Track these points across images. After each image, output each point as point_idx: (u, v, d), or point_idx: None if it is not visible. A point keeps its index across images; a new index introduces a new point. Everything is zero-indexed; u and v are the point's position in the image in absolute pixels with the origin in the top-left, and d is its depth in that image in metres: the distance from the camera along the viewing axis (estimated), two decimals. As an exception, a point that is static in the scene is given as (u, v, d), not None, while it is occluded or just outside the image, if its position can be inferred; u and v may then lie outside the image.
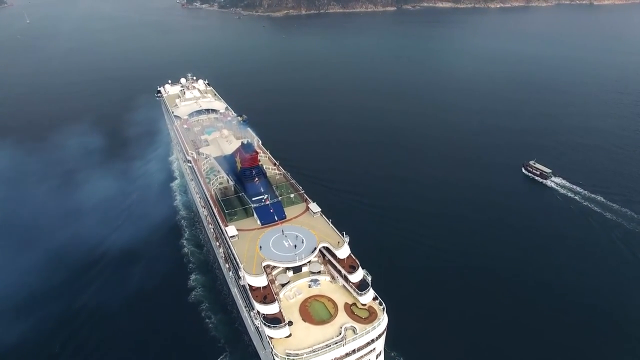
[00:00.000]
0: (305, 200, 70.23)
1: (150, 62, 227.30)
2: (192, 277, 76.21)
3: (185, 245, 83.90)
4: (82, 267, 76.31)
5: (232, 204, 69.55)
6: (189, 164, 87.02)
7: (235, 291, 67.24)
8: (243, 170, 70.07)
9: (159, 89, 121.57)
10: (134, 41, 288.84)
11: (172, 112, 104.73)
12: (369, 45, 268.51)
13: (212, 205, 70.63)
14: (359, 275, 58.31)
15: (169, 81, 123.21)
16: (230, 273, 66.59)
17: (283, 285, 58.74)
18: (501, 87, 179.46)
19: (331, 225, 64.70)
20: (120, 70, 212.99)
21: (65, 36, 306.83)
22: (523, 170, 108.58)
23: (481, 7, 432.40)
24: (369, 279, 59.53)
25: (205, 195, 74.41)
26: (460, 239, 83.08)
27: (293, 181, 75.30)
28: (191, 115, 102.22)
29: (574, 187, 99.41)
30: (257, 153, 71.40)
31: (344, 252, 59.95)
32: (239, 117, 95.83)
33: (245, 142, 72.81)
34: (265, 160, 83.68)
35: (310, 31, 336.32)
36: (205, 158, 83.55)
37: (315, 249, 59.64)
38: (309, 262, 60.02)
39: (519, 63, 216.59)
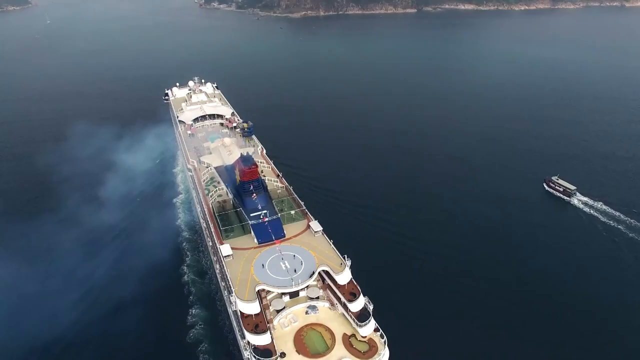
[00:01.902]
0: (307, 217, 66.01)
1: (163, 63, 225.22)
2: (192, 311, 68.28)
3: (186, 273, 75.87)
4: (61, 300, 66.73)
5: (229, 220, 65.92)
6: (189, 173, 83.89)
7: (230, 311, 63.53)
8: (242, 184, 66.27)
9: (166, 91, 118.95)
10: (148, 42, 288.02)
11: (177, 117, 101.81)
12: (388, 48, 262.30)
13: (208, 220, 67.10)
14: (359, 304, 53.86)
15: (177, 84, 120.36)
16: (226, 292, 62.91)
17: (278, 311, 54.69)
18: (524, 93, 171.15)
19: (332, 246, 60.44)
20: (132, 71, 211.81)
21: (80, 37, 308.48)
22: (544, 186, 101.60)
23: (504, 9, 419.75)
24: (371, 308, 55.02)
25: (203, 208, 70.99)
26: (475, 265, 76.59)
27: (295, 195, 71.12)
28: (196, 120, 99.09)
29: (602, 207, 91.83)
30: (257, 166, 67.29)
31: (344, 277, 55.60)
32: (244, 124, 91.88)
33: (245, 154, 69.03)
34: (268, 171, 79.76)
35: (329, 33, 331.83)
36: (207, 167, 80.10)
37: (313, 273, 55.44)
38: (307, 286, 55.77)
39: (544, 68, 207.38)
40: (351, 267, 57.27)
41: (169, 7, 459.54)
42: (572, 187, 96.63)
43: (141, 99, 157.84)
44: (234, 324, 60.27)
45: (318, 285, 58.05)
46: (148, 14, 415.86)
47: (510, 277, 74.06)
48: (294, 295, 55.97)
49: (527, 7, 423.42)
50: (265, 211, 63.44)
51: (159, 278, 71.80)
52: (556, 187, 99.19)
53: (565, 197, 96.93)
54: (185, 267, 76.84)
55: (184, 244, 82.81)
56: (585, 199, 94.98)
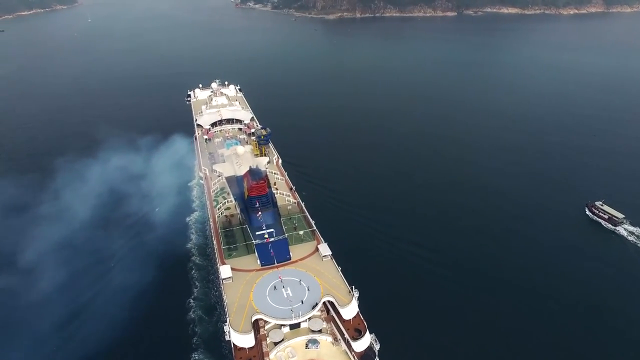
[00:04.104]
0: (317, 238, 61.26)
1: (194, 62, 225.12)
2: (195, 357, 58.13)
3: (193, 308, 64.80)
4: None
5: (234, 237, 62.10)
6: (201, 181, 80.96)
7: None
8: (249, 199, 62.37)
9: (189, 92, 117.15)
10: (181, 41, 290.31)
11: (195, 120, 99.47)
12: (426, 54, 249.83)
13: (213, 235, 63.55)
14: (364, 342, 48.72)
15: (200, 85, 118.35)
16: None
17: (276, 343, 49.98)
18: (571, 104, 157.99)
19: (340, 273, 55.52)
20: (164, 69, 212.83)
21: (117, 35, 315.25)
22: (587, 211, 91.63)
23: (552, 13, 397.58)
24: (377, 347, 49.76)
25: (209, 221, 67.65)
26: (499, 299, 67.99)
27: (306, 213, 66.37)
28: (214, 124, 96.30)
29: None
30: (265, 181, 63.03)
31: (350, 311, 50.63)
32: (262, 130, 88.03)
33: (255, 167, 64.95)
34: (282, 184, 75.52)
35: (364, 36, 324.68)
36: (218, 176, 76.82)
37: (316, 304, 50.65)
38: (309, 317, 50.94)
39: (595, 78, 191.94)
40: (359, 299, 52.21)
41: (205, 6, 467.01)
42: (620, 215, 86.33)
43: (167, 97, 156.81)
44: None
45: (322, 316, 53.05)
46: (184, 13, 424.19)
47: (542, 315, 65.74)
48: (294, 326, 51.31)
49: (576, 11, 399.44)
50: (271, 230, 59.26)
51: (161, 314, 63.31)
52: (600, 213, 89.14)
53: (610, 226, 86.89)
54: (192, 301, 66.22)
55: (193, 271, 72.19)
56: (635, 229, 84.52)
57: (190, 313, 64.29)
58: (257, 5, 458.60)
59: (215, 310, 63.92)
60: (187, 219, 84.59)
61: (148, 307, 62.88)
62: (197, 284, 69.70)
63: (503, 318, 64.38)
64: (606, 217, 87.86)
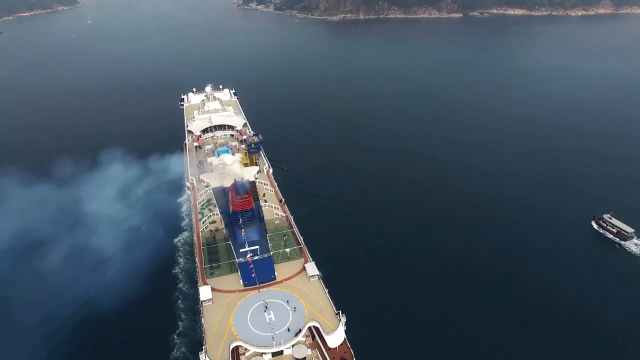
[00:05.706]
0: (304, 256, 57.63)
1: (192, 65, 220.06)
2: None
3: (177, 345, 57.57)
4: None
5: (217, 254, 58.65)
6: (188, 191, 77.50)
7: None
8: (234, 214, 58.90)
9: (182, 96, 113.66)
10: (180, 43, 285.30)
11: (187, 126, 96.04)
12: (431, 58, 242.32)
13: (196, 252, 60.10)
14: (351, 374, 44.95)
15: (194, 89, 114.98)
16: None
17: (256, 372, 46.54)
18: (581, 110, 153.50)
19: (328, 295, 51.94)
20: (161, 71, 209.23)
21: (118, 37, 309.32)
22: (593, 224, 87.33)
23: (559, 15, 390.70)
24: (365, 380, 45.94)
25: (193, 236, 64.23)
26: (506, 320, 64.17)
27: (295, 228, 62.67)
28: (205, 131, 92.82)
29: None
30: (250, 195, 59.49)
31: (336, 338, 47.07)
32: (254, 137, 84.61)
33: (240, 180, 61.34)
34: (271, 195, 71.86)
35: (368, 37, 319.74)
36: (206, 187, 73.32)
37: (300, 330, 47.12)
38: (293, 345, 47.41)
39: (604, 82, 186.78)
40: (346, 325, 48.55)
41: (206, 6, 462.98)
42: (630, 230, 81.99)
43: (164, 101, 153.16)
44: None
45: (307, 342, 49.50)
46: (187, 14, 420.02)
47: (547, 336, 61.72)
48: (276, 353, 47.76)
49: (585, 13, 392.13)
50: (256, 247, 55.72)
51: (139, 355, 56.37)
52: (608, 227, 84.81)
53: (619, 240, 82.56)
54: (177, 337, 58.83)
55: (180, 301, 64.19)
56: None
57: (174, 351, 57.06)
58: (259, 6, 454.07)
59: (202, 346, 54.92)
60: (175, 240, 76.75)
61: (124, 348, 57.09)
62: (182, 316, 61.72)
63: (505, 341, 60.40)
64: (615, 231, 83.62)
